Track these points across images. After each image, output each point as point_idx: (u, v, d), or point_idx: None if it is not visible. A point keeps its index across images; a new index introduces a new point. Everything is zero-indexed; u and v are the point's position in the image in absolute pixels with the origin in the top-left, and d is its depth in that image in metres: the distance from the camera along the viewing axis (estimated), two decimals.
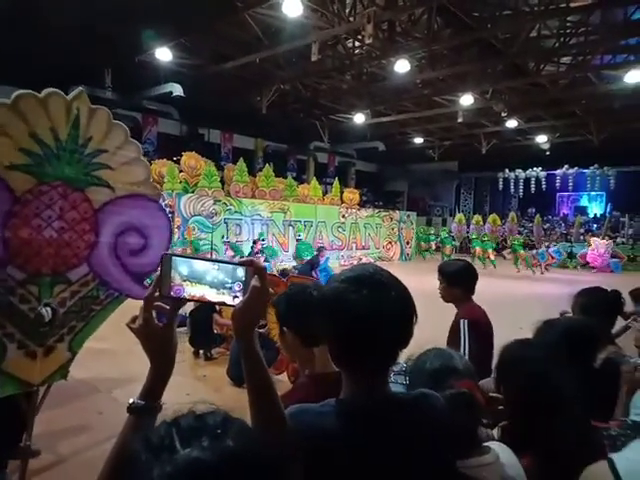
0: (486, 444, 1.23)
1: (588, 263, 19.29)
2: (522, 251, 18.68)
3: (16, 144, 2.21)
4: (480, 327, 2.41)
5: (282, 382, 4.60)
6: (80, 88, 2.42)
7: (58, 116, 2.31)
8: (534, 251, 18.36)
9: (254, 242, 12.85)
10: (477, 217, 25.49)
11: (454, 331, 2.50)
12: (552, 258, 18.20)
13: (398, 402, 1.00)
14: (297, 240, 14.84)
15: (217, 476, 0.50)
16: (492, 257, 18.70)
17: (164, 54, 13.26)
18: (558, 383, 1.30)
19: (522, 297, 11.31)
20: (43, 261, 2.37)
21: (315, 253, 11.08)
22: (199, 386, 5.03)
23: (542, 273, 17.11)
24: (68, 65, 13.88)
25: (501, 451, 1.22)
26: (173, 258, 0.86)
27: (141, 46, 13.17)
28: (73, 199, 2.42)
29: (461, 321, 2.48)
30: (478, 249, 19.30)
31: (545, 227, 26.12)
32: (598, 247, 19.04)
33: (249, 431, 0.59)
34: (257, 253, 11.78)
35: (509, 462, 1.20)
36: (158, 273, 0.87)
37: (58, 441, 3.65)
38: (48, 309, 2.40)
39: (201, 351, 6.00)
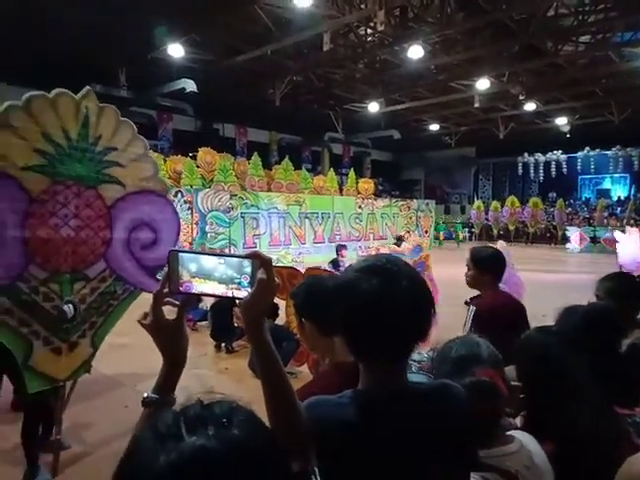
0: (509, 433, 1.22)
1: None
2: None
3: (30, 145, 2.25)
4: (493, 315, 2.37)
5: (303, 373, 4.62)
6: (88, 87, 2.45)
7: (68, 115, 2.34)
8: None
9: (338, 249, 10.14)
10: (495, 203, 25.19)
11: None
12: None
13: (417, 393, 1.00)
14: None
15: (222, 464, 0.51)
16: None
17: (176, 50, 13.31)
18: (573, 368, 1.28)
19: (549, 284, 11.09)
20: (62, 259, 2.42)
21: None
22: (222, 378, 5.09)
23: None
24: (83, 65, 14.05)
25: (525, 439, 1.20)
26: (180, 254, 0.87)
27: (153, 43, 13.25)
28: (87, 197, 2.46)
29: (471, 307, 2.51)
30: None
31: (567, 211, 25.57)
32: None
33: (256, 421, 0.59)
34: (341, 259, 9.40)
35: (534, 450, 1.18)
36: (166, 270, 0.88)
37: (86, 434, 3.74)
38: (70, 306, 2.45)
39: (223, 344, 6.08)
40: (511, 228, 24.48)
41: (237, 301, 0.86)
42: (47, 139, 2.29)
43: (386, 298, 0.91)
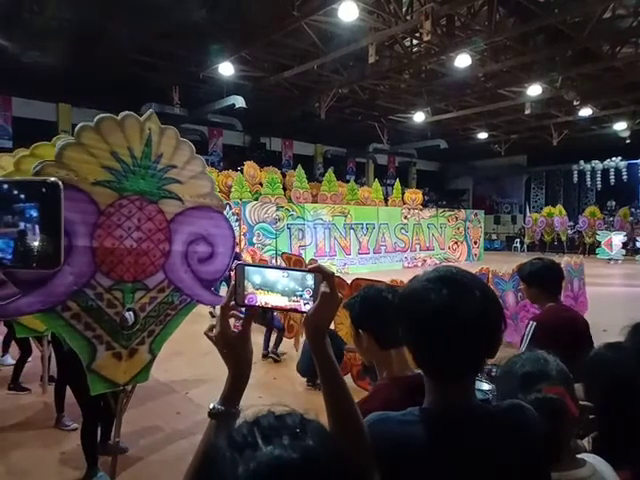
0: (580, 456, 1.15)
1: None
2: None
3: (99, 162, 2.43)
4: (552, 330, 2.27)
5: (347, 383, 4.59)
6: (151, 110, 2.64)
7: (133, 136, 2.52)
8: None
9: None
10: (547, 209, 24.26)
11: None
12: None
13: (488, 413, 0.95)
14: None
15: (298, 473, 0.52)
16: None
17: (226, 68, 13.78)
18: None
19: (608, 297, 10.48)
20: (125, 269, 2.57)
21: None
22: (270, 388, 5.13)
23: None
24: (140, 86, 14.88)
25: (597, 464, 1.13)
26: (246, 268, 0.90)
27: (205, 62, 13.82)
28: (149, 211, 2.61)
29: (529, 322, 2.42)
30: None
31: (629, 220, 24.06)
32: None
33: (326, 432, 0.60)
34: None
35: (608, 477, 1.11)
36: (233, 283, 0.91)
37: (141, 439, 3.87)
38: (131, 313, 2.58)
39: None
40: (563, 239, 23.38)
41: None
42: (114, 157, 2.47)
43: (457, 309, 0.87)
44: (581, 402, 1.24)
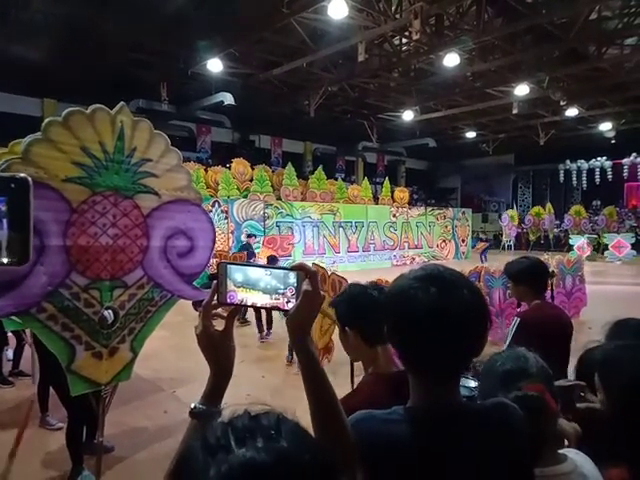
0: (562, 451, 1.16)
1: None
2: None
3: (69, 158, 2.35)
4: (537, 327, 2.29)
5: None
6: (122, 102, 2.54)
7: (104, 129, 2.44)
8: None
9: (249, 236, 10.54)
10: (536, 208, 24.52)
11: None
12: None
13: (473, 412, 0.95)
14: None
15: (270, 476, 0.51)
16: None
17: (215, 65, 13.68)
18: None
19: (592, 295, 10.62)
20: (102, 266, 2.50)
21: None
22: (258, 387, 5.11)
23: None
24: (128, 82, 14.69)
25: (580, 460, 1.13)
26: (228, 266, 0.89)
27: (193, 59, 13.70)
28: (124, 207, 2.55)
29: (514, 319, 2.46)
30: None
31: (615, 219, 24.41)
32: None
33: (302, 432, 0.58)
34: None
35: (589, 473, 1.11)
36: (216, 282, 0.89)
37: (127, 438, 3.84)
38: (110, 312, 2.53)
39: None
40: (551, 236, 23.68)
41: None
42: (85, 152, 2.39)
43: (445, 309, 0.86)
44: (568, 382, 1.24)
